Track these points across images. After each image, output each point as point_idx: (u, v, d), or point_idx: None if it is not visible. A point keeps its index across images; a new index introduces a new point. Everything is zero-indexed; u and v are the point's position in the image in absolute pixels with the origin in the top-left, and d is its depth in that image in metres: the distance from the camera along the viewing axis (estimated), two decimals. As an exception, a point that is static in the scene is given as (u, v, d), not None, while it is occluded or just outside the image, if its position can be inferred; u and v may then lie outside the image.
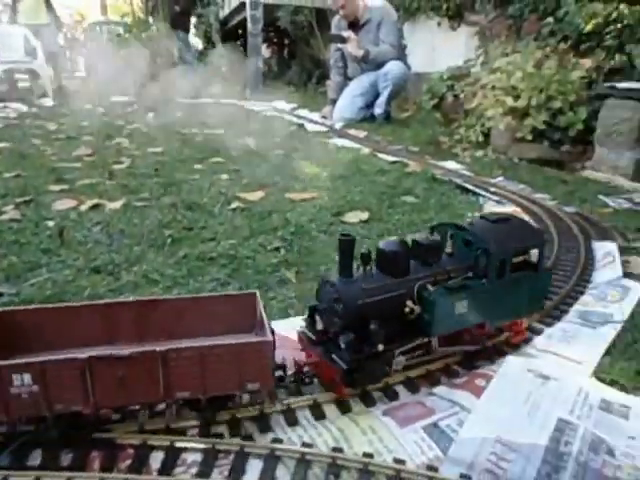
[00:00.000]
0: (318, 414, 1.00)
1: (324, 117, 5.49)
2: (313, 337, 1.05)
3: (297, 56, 9.77)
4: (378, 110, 5.19)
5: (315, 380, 1.06)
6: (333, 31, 5.43)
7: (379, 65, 5.09)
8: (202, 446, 0.90)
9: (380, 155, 3.45)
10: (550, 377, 1.06)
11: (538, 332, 1.28)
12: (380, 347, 0.98)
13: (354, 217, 2.12)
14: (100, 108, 5.78)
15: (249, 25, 8.44)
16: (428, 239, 1.07)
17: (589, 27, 3.51)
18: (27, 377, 0.83)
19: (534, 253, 1.12)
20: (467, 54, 5.14)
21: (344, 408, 1.01)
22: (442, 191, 2.57)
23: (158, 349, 0.87)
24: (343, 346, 0.97)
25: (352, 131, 4.51)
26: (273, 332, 0.95)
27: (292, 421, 0.98)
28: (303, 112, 5.90)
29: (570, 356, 1.17)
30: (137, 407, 0.94)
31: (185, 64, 7.15)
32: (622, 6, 3.34)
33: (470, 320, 1.07)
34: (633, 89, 2.88)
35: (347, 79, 5.51)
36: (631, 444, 0.92)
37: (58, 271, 1.59)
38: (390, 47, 5.10)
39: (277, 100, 7.06)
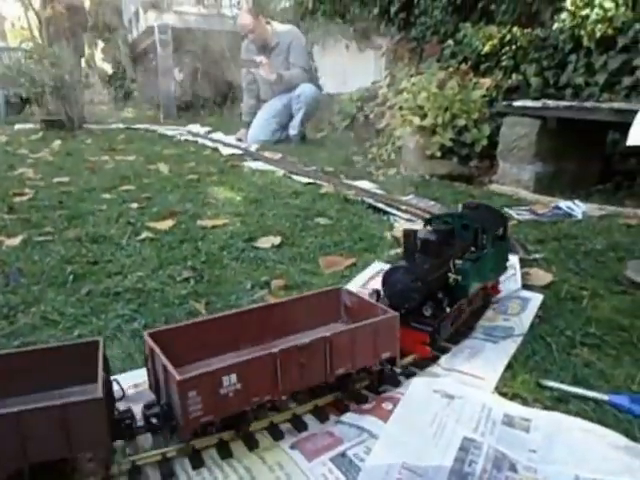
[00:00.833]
0: (225, 453, 0.96)
1: (239, 140, 5.46)
2: None
3: (211, 79, 9.72)
4: (292, 131, 5.24)
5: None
6: (243, 55, 5.46)
7: (291, 88, 5.15)
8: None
9: (295, 177, 3.45)
10: (455, 396, 1.07)
11: (444, 350, 1.29)
12: (448, 310, 1.26)
13: (267, 242, 2.09)
14: (2, 137, 5.49)
15: (159, 49, 8.35)
16: (447, 227, 1.36)
17: (486, 49, 3.71)
18: (233, 377, 0.93)
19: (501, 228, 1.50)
20: (377, 75, 5.30)
21: (251, 444, 0.97)
22: (354, 211, 2.59)
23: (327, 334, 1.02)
24: (428, 314, 1.22)
25: (267, 153, 4.50)
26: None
27: (197, 463, 0.93)
28: (218, 135, 5.84)
29: (474, 373, 1.18)
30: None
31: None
32: (515, 29, 3.56)
33: (483, 280, 1.42)
34: (528, 107, 3.05)
35: (260, 101, 5.53)
36: (532, 457, 0.94)
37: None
38: (301, 70, 5.17)
39: (191, 124, 6.98)
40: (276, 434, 1.01)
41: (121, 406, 0.98)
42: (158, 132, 6.35)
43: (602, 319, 1.44)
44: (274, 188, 3.10)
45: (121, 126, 7.18)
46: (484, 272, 1.40)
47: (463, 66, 3.84)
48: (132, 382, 1.14)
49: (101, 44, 12.42)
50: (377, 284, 1.30)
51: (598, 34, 3.06)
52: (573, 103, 2.93)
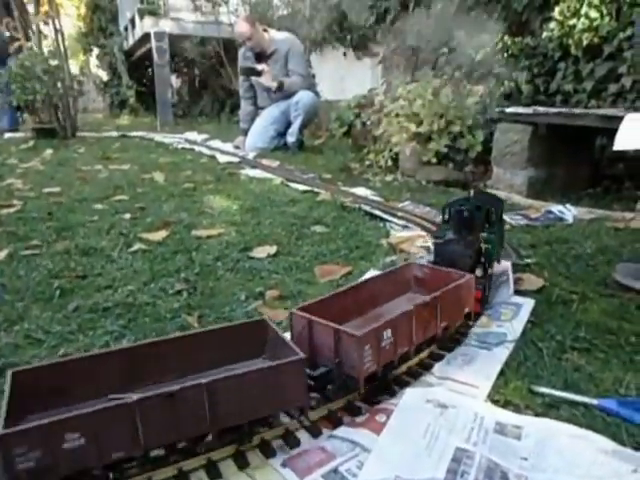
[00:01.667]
0: (214, 474, 0.93)
1: (237, 147, 5.48)
2: None
3: (208, 86, 9.75)
4: (290, 139, 5.25)
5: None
6: (240, 63, 5.47)
7: (289, 95, 5.17)
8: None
9: (292, 185, 3.46)
10: (448, 405, 1.08)
11: (438, 359, 1.29)
12: (490, 270, 1.55)
13: (262, 252, 2.09)
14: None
15: (155, 56, 8.35)
16: (469, 209, 1.55)
17: (479, 57, 3.75)
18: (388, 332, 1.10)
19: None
20: (373, 82, 5.34)
21: (241, 463, 0.95)
22: (351, 219, 2.60)
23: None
24: (480, 275, 1.48)
25: (265, 161, 4.50)
26: None
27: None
28: (215, 143, 5.84)
29: (467, 381, 1.19)
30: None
31: None
32: (506, 37, 3.60)
33: (498, 250, 1.68)
34: (520, 113, 3.08)
35: (258, 108, 5.55)
36: (523, 465, 0.95)
37: None
38: (300, 77, 5.19)
39: (189, 131, 6.98)
40: (267, 451, 0.98)
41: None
42: (154, 140, 6.31)
43: (591, 322, 1.46)
44: (271, 196, 3.11)
45: (116, 134, 7.13)
46: (498, 244, 1.68)
47: (457, 74, 3.88)
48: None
49: (96, 50, 12.40)
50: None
51: (585, 42, 3.10)
52: (562, 109, 2.96)
